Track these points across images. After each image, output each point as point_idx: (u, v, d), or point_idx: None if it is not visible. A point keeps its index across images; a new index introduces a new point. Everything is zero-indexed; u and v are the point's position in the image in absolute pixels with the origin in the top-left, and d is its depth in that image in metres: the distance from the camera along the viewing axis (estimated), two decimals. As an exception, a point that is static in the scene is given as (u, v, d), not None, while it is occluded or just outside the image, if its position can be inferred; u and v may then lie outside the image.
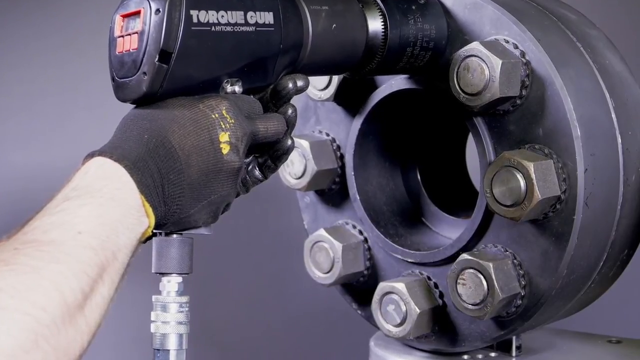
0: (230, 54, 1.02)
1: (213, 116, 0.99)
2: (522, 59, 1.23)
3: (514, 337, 1.37)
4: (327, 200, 1.47)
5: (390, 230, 1.43)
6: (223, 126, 0.99)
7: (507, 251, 1.27)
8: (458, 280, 1.25)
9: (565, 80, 1.22)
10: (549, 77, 1.22)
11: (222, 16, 1.00)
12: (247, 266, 2.25)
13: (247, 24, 1.02)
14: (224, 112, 1.00)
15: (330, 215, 1.47)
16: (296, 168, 1.42)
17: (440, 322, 1.35)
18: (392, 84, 1.34)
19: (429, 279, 1.36)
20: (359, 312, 1.45)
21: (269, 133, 1.07)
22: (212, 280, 2.07)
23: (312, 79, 1.35)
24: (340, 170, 1.44)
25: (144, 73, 0.97)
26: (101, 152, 0.94)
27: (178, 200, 0.96)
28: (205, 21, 0.99)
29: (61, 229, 0.87)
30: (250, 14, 1.03)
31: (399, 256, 1.39)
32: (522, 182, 1.18)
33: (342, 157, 1.43)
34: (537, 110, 1.23)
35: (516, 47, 1.23)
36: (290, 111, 1.11)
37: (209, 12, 0.99)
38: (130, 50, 0.98)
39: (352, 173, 1.42)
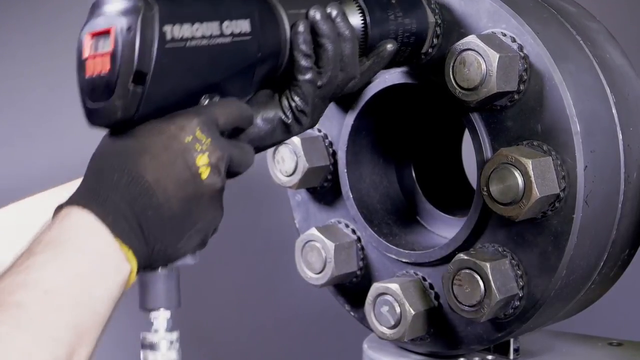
0: (207, 68, 0.97)
1: (186, 139, 0.92)
2: (520, 53, 1.22)
3: (511, 340, 1.36)
4: (319, 199, 1.46)
5: (384, 229, 1.42)
6: (199, 148, 0.92)
7: (504, 251, 1.26)
8: (454, 281, 1.24)
9: (564, 75, 1.21)
10: (547, 72, 1.21)
11: (197, 29, 0.94)
12: (237, 266, 2.25)
13: (222, 35, 0.97)
14: (197, 132, 0.93)
15: (322, 214, 1.46)
16: (287, 165, 1.41)
17: (435, 324, 1.34)
18: (386, 78, 1.34)
19: (424, 279, 1.35)
20: (352, 313, 1.44)
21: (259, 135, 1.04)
22: (201, 280, 2.07)
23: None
24: (332, 168, 1.43)
25: (119, 97, 0.91)
26: (69, 202, 0.88)
27: (161, 236, 0.91)
28: (180, 36, 0.93)
29: (26, 290, 0.81)
30: (226, 23, 0.97)
31: (393, 256, 1.38)
32: (520, 180, 1.18)
33: (334, 153, 1.42)
34: (535, 106, 1.22)
35: (514, 40, 1.23)
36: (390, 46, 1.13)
37: (184, 26, 0.93)
38: (102, 73, 0.91)
39: (345, 170, 1.41)
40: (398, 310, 1.31)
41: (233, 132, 1.00)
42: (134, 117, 0.91)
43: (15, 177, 2.09)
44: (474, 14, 1.26)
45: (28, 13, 2.11)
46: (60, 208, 0.88)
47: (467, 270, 1.23)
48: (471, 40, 1.21)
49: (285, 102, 1.07)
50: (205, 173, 0.93)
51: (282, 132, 1.07)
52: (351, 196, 1.41)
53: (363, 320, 1.39)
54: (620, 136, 1.27)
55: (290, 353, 2.25)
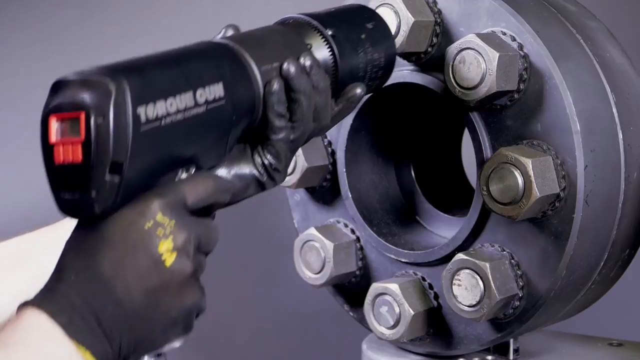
0: (183, 143, 0.90)
1: (147, 225, 0.86)
2: (520, 52, 1.22)
3: (511, 340, 1.35)
4: (318, 198, 1.46)
5: (383, 229, 1.41)
6: (161, 233, 0.86)
7: (504, 251, 1.26)
8: (453, 281, 1.24)
9: (564, 74, 1.21)
10: (547, 71, 1.21)
11: (171, 104, 0.87)
12: (236, 266, 2.24)
13: (197, 105, 0.90)
14: (159, 216, 0.86)
15: (321, 214, 1.46)
16: None
17: (435, 325, 1.34)
18: None
19: (424, 279, 1.34)
20: (351, 313, 1.44)
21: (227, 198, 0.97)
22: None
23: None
24: (331, 167, 1.42)
25: (95, 189, 0.83)
26: (28, 301, 0.84)
27: (127, 332, 0.86)
28: (154, 116, 0.85)
29: None
30: (199, 92, 0.90)
31: (393, 256, 1.37)
32: (519, 179, 1.17)
33: (333, 153, 1.42)
34: (535, 105, 1.22)
35: (514, 39, 1.22)
36: (359, 91, 1.08)
37: (157, 103, 0.85)
38: (74, 162, 0.83)
39: (344, 170, 1.41)
40: (397, 310, 1.30)
41: (209, 208, 0.94)
42: (112, 207, 0.86)
43: (12, 177, 2.08)
44: (474, 13, 1.26)
45: (25, 12, 2.11)
46: (21, 306, 0.84)
47: (467, 270, 1.23)
48: (470, 39, 1.20)
49: (258, 160, 1.02)
50: (170, 259, 0.87)
51: (255, 189, 1.03)
52: (350, 196, 1.41)
53: (362, 320, 1.39)
54: (620, 135, 1.27)
55: (288, 353, 2.25)
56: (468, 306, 1.23)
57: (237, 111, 0.95)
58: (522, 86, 1.22)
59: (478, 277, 1.22)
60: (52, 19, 2.11)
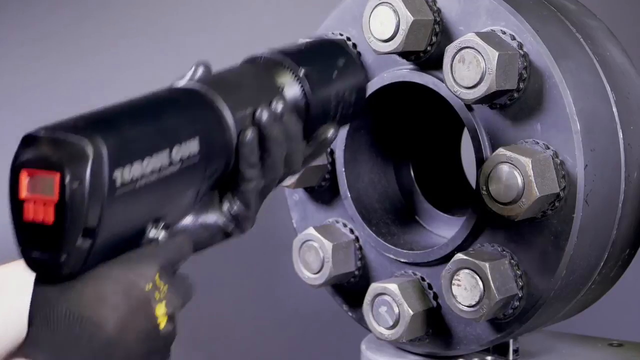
0: (156, 202, 0.88)
1: (147, 288, 0.84)
2: (520, 51, 1.22)
3: (511, 341, 1.35)
4: (317, 198, 1.45)
5: (382, 229, 1.41)
6: (158, 297, 0.85)
7: (504, 251, 1.25)
8: (453, 281, 1.23)
9: (564, 73, 1.21)
10: (547, 70, 1.21)
11: (147, 165, 0.85)
12: (234, 266, 2.24)
13: (172, 163, 0.87)
14: (157, 279, 0.85)
15: (320, 214, 1.45)
16: None
17: (434, 325, 1.34)
18: (385, 76, 1.33)
19: (423, 279, 1.34)
20: (350, 314, 1.44)
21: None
22: (197, 280, 2.06)
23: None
24: (330, 167, 1.42)
25: (66, 253, 0.81)
26: (25, 354, 0.81)
27: None
28: (130, 179, 0.83)
29: None
30: (175, 149, 0.88)
31: (392, 256, 1.37)
32: (519, 179, 1.17)
33: (332, 152, 1.42)
34: (535, 104, 1.22)
35: (513, 38, 1.22)
36: (331, 133, 1.05)
37: (134, 165, 0.83)
38: (45, 222, 0.80)
39: (343, 169, 1.40)
40: (396, 310, 1.30)
41: None
42: (81, 271, 0.83)
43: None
44: (473, 12, 1.25)
45: (23, 11, 2.11)
46: None
47: (466, 270, 1.22)
48: (470, 38, 1.20)
49: (226, 207, 0.99)
50: (163, 323, 0.86)
51: (221, 237, 1.00)
52: (349, 195, 1.40)
53: (361, 320, 1.38)
54: (620, 135, 1.27)
55: (287, 354, 2.25)
56: (467, 306, 1.23)
57: (211, 166, 0.94)
58: (521, 85, 1.22)
59: (477, 277, 1.21)
60: (50, 18, 2.10)
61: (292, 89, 1.04)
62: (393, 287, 1.30)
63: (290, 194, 1.48)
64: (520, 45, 1.22)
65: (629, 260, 1.36)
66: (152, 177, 0.85)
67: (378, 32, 1.27)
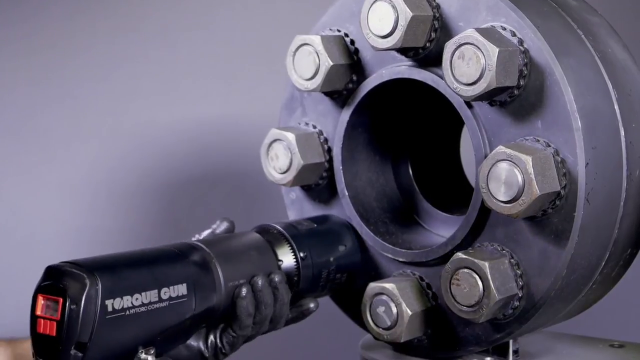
0: (144, 331, 1.12)
1: None
2: (520, 47, 1.21)
3: (510, 341, 1.35)
4: (314, 196, 1.46)
5: (380, 228, 1.41)
6: None
7: (503, 250, 1.25)
8: (452, 281, 1.23)
9: (565, 70, 1.20)
10: (548, 66, 1.20)
11: (137, 299, 1.10)
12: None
13: (160, 300, 1.12)
14: None
15: (317, 212, 1.45)
16: (281, 162, 1.40)
17: (433, 325, 1.33)
18: (383, 73, 1.33)
19: (422, 279, 1.34)
20: (348, 314, 1.44)
21: None
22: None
23: (298, 66, 1.36)
24: (327, 165, 1.42)
25: None
26: None
27: None
28: (120, 307, 1.08)
29: None
30: (164, 290, 1.13)
31: (390, 255, 1.37)
32: (519, 177, 1.17)
33: (329, 150, 1.42)
34: (535, 101, 1.21)
35: (514, 34, 1.22)
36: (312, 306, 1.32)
37: (124, 298, 1.09)
38: (49, 334, 1.07)
39: (340, 167, 1.41)
40: (395, 310, 1.30)
41: None
42: None
43: (3, 175, 2.08)
44: (473, 7, 1.25)
45: (11, 8, 2.10)
46: None
47: (466, 270, 1.22)
48: (470, 34, 1.20)
49: (211, 339, 1.24)
50: None
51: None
52: (347, 194, 1.40)
53: (359, 321, 1.37)
54: (622, 132, 1.26)
55: (285, 354, 2.25)
56: (467, 306, 1.22)
57: (199, 306, 1.17)
58: (522, 82, 1.21)
59: (477, 277, 1.21)
60: (41, 14, 2.10)
61: (289, 265, 1.30)
62: (391, 286, 1.30)
63: (287, 192, 1.48)
64: (521, 42, 1.21)
65: (630, 259, 1.36)
66: (141, 309, 1.10)
67: (376, 28, 1.27)
